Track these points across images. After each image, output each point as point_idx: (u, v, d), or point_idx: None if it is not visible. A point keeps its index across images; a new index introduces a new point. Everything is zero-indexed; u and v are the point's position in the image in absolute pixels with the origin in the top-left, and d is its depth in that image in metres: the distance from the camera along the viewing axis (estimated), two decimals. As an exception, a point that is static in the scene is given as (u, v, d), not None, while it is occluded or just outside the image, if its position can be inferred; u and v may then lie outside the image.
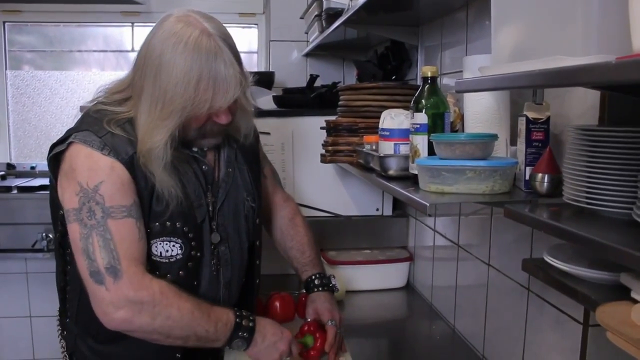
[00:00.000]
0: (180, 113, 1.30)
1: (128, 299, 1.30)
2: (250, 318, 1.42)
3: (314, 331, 1.55)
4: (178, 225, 1.39)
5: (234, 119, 1.43)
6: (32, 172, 3.23)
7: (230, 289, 1.53)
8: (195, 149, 1.47)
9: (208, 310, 1.36)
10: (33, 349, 3.08)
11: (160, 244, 1.39)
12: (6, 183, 2.97)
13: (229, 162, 1.53)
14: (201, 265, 1.45)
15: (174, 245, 1.40)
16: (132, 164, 1.33)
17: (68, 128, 1.39)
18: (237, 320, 1.39)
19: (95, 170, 1.31)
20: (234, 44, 1.36)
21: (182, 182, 1.40)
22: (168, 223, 1.38)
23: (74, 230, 1.33)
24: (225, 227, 1.51)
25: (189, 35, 1.28)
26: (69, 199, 1.33)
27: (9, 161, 3.30)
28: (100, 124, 1.34)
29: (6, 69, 3.29)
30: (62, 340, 1.56)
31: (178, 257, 1.40)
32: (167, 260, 1.40)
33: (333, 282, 1.71)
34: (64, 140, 1.35)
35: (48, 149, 1.39)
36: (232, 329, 1.38)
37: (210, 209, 1.47)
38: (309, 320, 1.60)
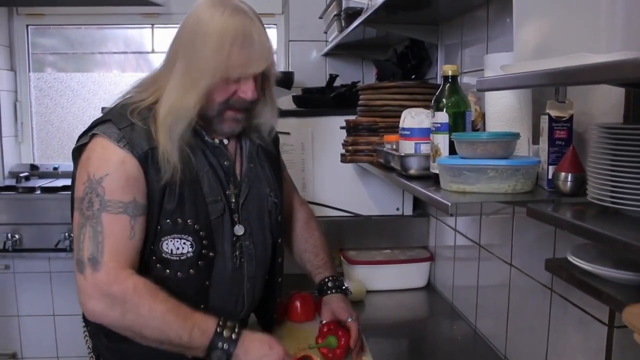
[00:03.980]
0: (212, 73, 1.34)
1: (101, 292, 1.31)
2: (236, 330, 1.34)
3: (335, 330, 1.55)
4: (189, 223, 1.40)
5: (257, 102, 1.45)
6: (54, 173, 3.27)
7: (254, 284, 1.54)
8: (217, 141, 1.48)
9: (185, 315, 1.31)
10: (57, 347, 3.11)
11: (171, 241, 1.40)
12: (30, 184, 3.01)
13: (250, 158, 1.55)
14: (213, 265, 1.45)
15: (184, 243, 1.40)
16: (146, 160, 1.35)
17: None
18: (218, 330, 1.32)
19: (105, 162, 1.34)
20: (264, 26, 1.42)
21: (197, 176, 1.41)
22: (179, 220, 1.39)
23: (75, 219, 1.37)
24: (249, 222, 1.51)
25: (224, 9, 1.35)
26: (77, 187, 1.37)
27: (32, 162, 3.34)
28: (124, 114, 1.38)
29: (29, 71, 3.33)
30: (87, 340, 1.57)
31: (188, 255, 1.41)
32: (177, 258, 1.40)
33: (346, 285, 1.71)
34: (88, 132, 1.39)
35: (72, 148, 1.43)
36: (210, 338, 1.31)
37: (232, 200, 1.48)
38: (326, 321, 1.60)
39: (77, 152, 1.40)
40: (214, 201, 1.44)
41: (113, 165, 1.33)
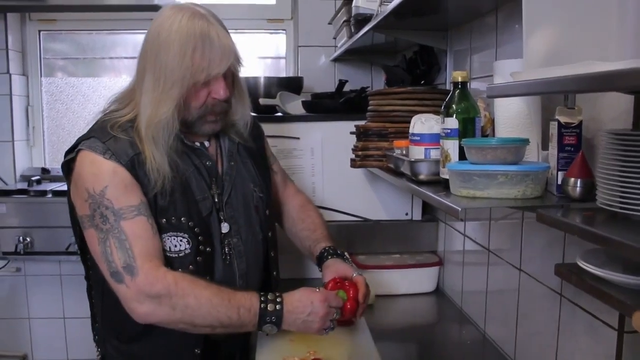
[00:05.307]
0: (181, 83, 1.38)
1: (146, 294, 1.35)
2: (277, 300, 1.41)
3: (341, 284, 1.54)
4: (183, 221, 1.44)
5: (231, 100, 1.50)
6: (65, 177, 3.29)
7: (247, 280, 1.56)
8: (197, 143, 1.52)
9: (229, 296, 1.38)
10: (67, 350, 3.13)
11: (168, 239, 1.43)
12: (41, 187, 3.02)
13: (230, 156, 1.58)
14: (212, 260, 1.49)
15: (181, 240, 1.44)
16: (133, 165, 1.40)
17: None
18: (262, 305, 1.40)
19: (99, 175, 1.38)
20: (225, 27, 1.45)
21: (185, 177, 1.45)
22: (173, 219, 1.43)
23: (91, 236, 1.39)
24: (236, 219, 1.55)
25: (182, 16, 1.39)
26: (80, 205, 1.40)
27: (43, 166, 3.37)
28: (105, 129, 1.42)
29: (41, 76, 3.36)
30: (96, 345, 1.60)
31: (186, 251, 1.45)
32: (176, 255, 1.44)
33: (347, 256, 1.69)
34: (74, 148, 1.43)
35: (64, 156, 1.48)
36: (257, 316, 1.39)
37: (216, 200, 1.51)
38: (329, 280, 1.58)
39: (66, 167, 1.45)
40: (203, 199, 1.49)
41: (107, 175, 1.37)
